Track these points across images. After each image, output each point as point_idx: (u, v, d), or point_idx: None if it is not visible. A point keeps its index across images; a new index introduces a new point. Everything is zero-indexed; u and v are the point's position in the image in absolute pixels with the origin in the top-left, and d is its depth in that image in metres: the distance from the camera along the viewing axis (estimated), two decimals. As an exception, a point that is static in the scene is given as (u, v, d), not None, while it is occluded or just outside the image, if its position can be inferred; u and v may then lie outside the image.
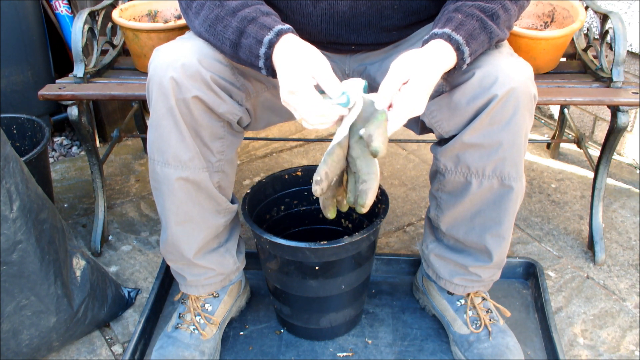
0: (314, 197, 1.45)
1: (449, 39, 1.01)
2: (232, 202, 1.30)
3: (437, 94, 1.16)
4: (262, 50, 1.02)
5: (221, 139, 1.17)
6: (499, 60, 1.07)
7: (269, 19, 1.04)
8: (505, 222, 1.19)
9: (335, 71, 1.32)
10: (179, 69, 1.06)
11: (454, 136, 1.14)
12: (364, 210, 1.00)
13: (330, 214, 1.10)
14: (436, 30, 1.04)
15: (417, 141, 1.90)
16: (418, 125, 1.25)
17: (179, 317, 1.34)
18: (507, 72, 1.05)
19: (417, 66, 0.99)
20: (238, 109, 1.15)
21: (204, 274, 1.30)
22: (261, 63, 1.03)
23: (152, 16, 1.66)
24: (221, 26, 1.05)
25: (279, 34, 1.02)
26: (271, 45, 1.01)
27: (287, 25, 1.04)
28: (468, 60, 1.03)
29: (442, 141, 1.19)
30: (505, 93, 1.04)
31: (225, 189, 1.25)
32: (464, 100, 1.08)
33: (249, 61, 1.05)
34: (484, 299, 1.35)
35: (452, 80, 1.12)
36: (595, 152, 2.06)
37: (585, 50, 1.62)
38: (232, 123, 1.17)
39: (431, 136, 1.24)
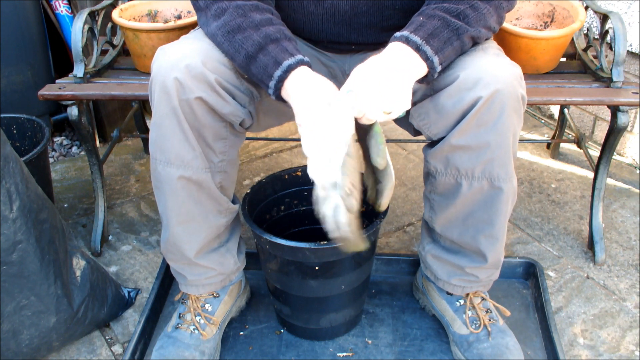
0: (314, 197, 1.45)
1: (407, 40, 1.02)
2: (234, 202, 1.30)
3: (423, 97, 1.16)
4: (278, 73, 1.02)
5: (224, 139, 1.17)
6: (483, 61, 1.07)
7: (291, 44, 1.05)
8: (497, 223, 1.19)
9: (335, 71, 1.32)
10: (183, 69, 1.06)
11: (443, 138, 1.14)
12: (381, 208, 1.09)
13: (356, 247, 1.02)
14: (396, 33, 1.05)
15: (417, 141, 1.89)
16: (411, 127, 1.26)
17: (179, 317, 1.34)
18: (492, 73, 1.05)
19: (373, 67, 1.01)
20: (241, 111, 1.15)
21: (205, 274, 1.30)
22: (272, 83, 1.04)
23: (152, 16, 1.66)
24: (241, 36, 1.05)
25: (299, 63, 1.03)
26: (289, 70, 1.02)
27: (306, 58, 1.05)
28: (436, 59, 1.03)
29: (432, 143, 1.19)
30: (491, 95, 1.04)
31: (227, 189, 1.25)
32: (450, 103, 1.08)
33: (258, 76, 1.06)
34: (483, 299, 1.35)
35: (437, 83, 1.12)
36: (595, 152, 2.06)
37: (585, 50, 1.62)
38: (235, 124, 1.17)
39: (431, 136, 1.25)
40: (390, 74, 1.00)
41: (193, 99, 1.07)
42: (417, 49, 1.02)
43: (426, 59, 1.02)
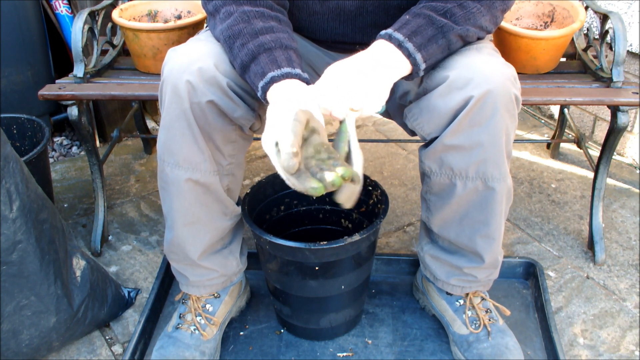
0: (314, 197, 1.45)
1: (390, 38, 1.03)
2: (238, 204, 1.30)
3: (417, 96, 1.16)
4: (261, 84, 1.02)
5: (233, 142, 1.17)
6: (475, 61, 1.07)
7: (283, 55, 1.04)
8: (493, 224, 1.19)
9: None
10: (195, 72, 1.05)
11: (437, 138, 1.14)
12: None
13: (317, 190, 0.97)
14: (381, 32, 1.05)
15: (417, 141, 1.89)
16: (407, 126, 1.26)
17: (180, 317, 1.34)
18: (484, 73, 1.04)
19: (348, 63, 1.01)
20: (252, 114, 1.15)
21: (207, 275, 1.30)
22: (259, 94, 1.04)
23: (152, 16, 1.66)
24: (239, 43, 1.05)
25: (284, 76, 1.01)
26: (272, 81, 1.01)
27: (296, 70, 1.03)
28: (418, 56, 1.03)
29: (427, 143, 1.19)
30: (482, 94, 1.04)
31: (233, 191, 1.25)
32: (441, 102, 1.08)
33: (251, 85, 1.06)
34: (483, 299, 1.35)
35: (430, 82, 1.12)
36: (595, 152, 2.06)
37: (585, 50, 1.62)
38: (244, 128, 1.17)
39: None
40: (364, 70, 1.00)
41: (205, 103, 1.07)
42: (400, 45, 1.02)
43: (408, 55, 1.02)
